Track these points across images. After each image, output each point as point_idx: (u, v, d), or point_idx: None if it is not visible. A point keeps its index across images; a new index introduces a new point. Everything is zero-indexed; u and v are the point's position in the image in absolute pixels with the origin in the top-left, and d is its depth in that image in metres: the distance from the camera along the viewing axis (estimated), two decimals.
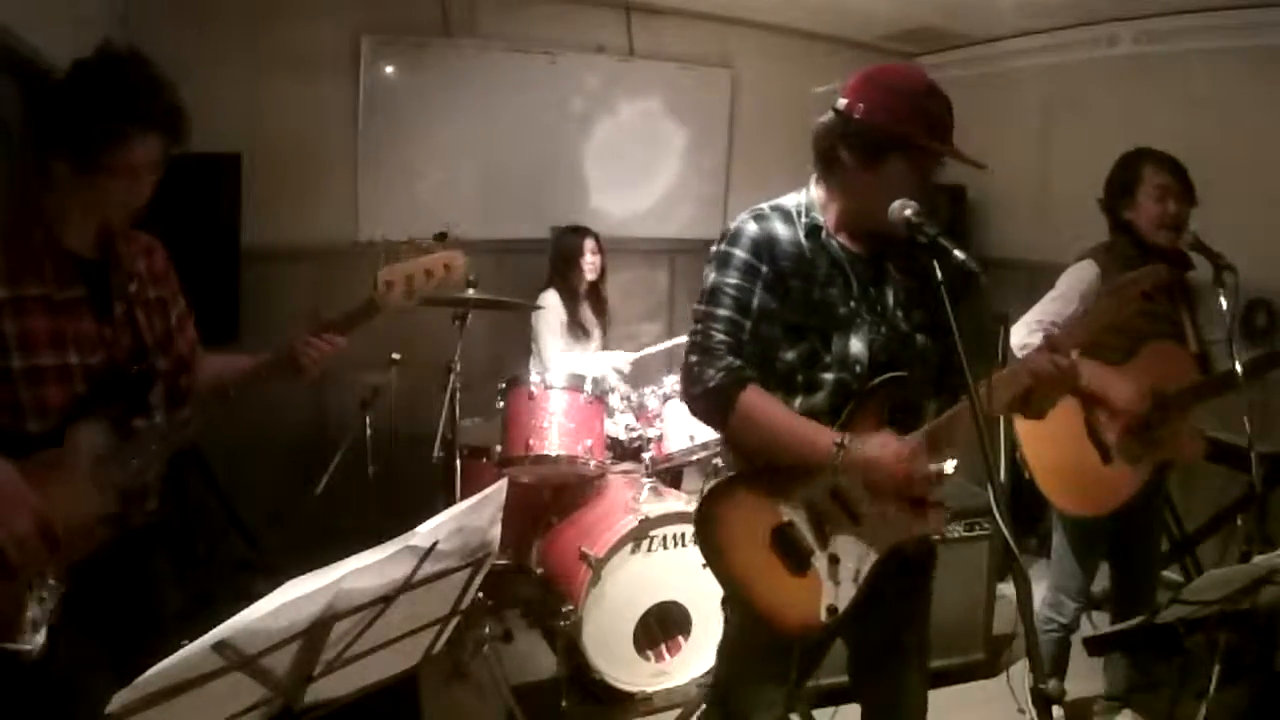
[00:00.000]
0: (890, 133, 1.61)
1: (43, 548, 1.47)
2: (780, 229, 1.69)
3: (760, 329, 1.67)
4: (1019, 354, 2.41)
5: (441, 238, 1.84)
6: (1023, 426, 2.60)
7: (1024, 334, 2.45)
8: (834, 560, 1.67)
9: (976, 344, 1.65)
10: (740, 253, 1.67)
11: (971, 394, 1.47)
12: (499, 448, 3.25)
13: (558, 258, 3.98)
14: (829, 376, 1.68)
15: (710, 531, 1.71)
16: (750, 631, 1.76)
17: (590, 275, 3.97)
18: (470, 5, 4.35)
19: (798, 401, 1.68)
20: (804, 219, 1.71)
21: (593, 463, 3.18)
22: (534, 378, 3.26)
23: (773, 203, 1.75)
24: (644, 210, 4.87)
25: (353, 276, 4.11)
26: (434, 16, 4.28)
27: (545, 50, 4.53)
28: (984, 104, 5.07)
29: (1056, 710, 2.62)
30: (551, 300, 3.87)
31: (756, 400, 1.63)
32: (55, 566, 1.53)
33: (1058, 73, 4.60)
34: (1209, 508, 3.41)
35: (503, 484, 1.35)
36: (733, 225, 1.71)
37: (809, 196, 1.74)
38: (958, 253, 1.49)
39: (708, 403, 1.65)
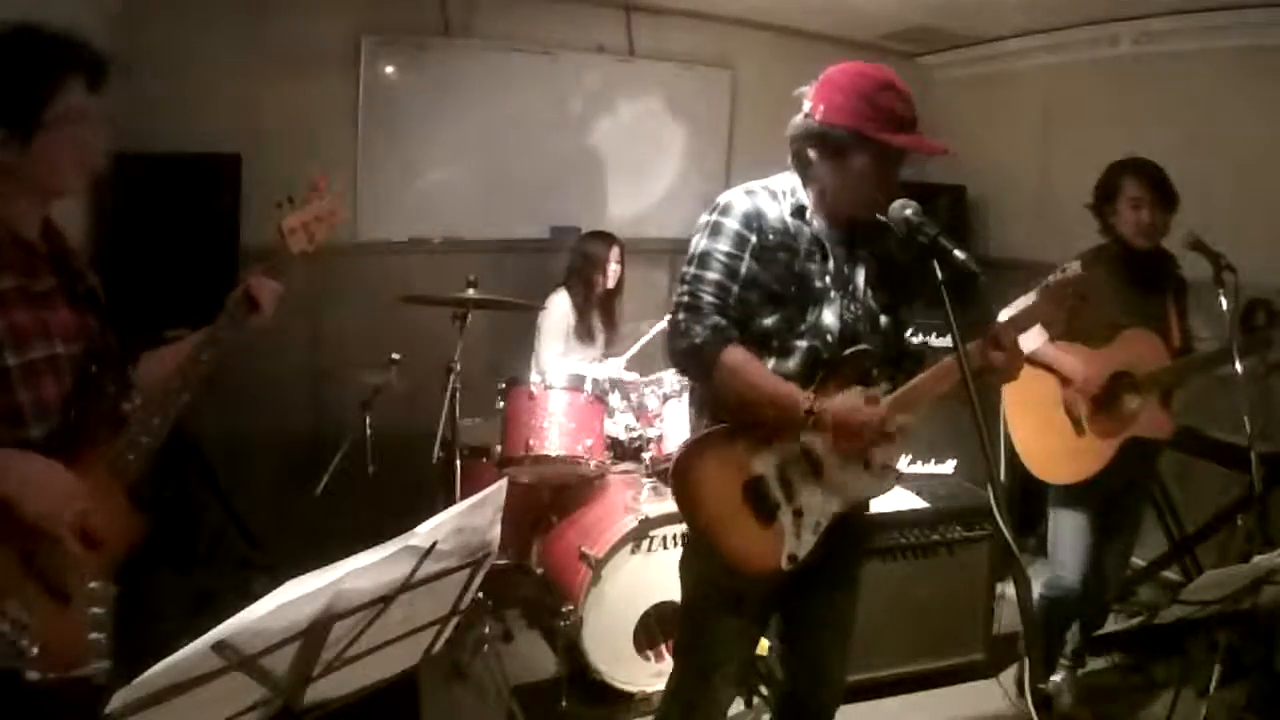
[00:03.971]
0: (847, 130, 1.71)
1: (84, 546, 1.43)
2: (768, 205, 1.80)
3: (744, 294, 1.77)
4: None
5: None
6: (1008, 399, 2.78)
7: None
8: (798, 514, 1.81)
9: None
10: (731, 223, 1.77)
11: (970, 394, 1.47)
12: (499, 448, 3.25)
13: (581, 261, 3.92)
14: (802, 344, 1.80)
15: (686, 481, 1.81)
16: (714, 577, 1.89)
17: (610, 283, 3.95)
18: (470, 5, 4.35)
19: (771, 364, 1.80)
20: (790, 198, 1.82)
21: (593, 463, 3.18)
22: (534, 378, 3.25)
23: (761, 182, 1.85)
24: (644, 210, 4.87)
25: (353, 276, 4.16)
26: (434, 16, 4.28)
27: (545, 50, 4.52)
28: (984, 104, 5.09)
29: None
30: (560, 303, 3.85)
31: (739, 357, 1.74)
32: (103, 572, 1.47)
33: (1058, 73, 4.60)
34: (1209, 508, 3.41)
35: (503, 484, 1.35)
36: (722, 198, 1.82)
37: (793, 180, 1.86)
38: (958, 253, 1.51)
39: (693, 357, 1.75)
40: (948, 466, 3.61)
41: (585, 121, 4.67)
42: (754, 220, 1.77)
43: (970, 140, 5.24)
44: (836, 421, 1.71)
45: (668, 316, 1.84)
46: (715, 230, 1.78)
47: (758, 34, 4.92)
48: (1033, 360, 2.68)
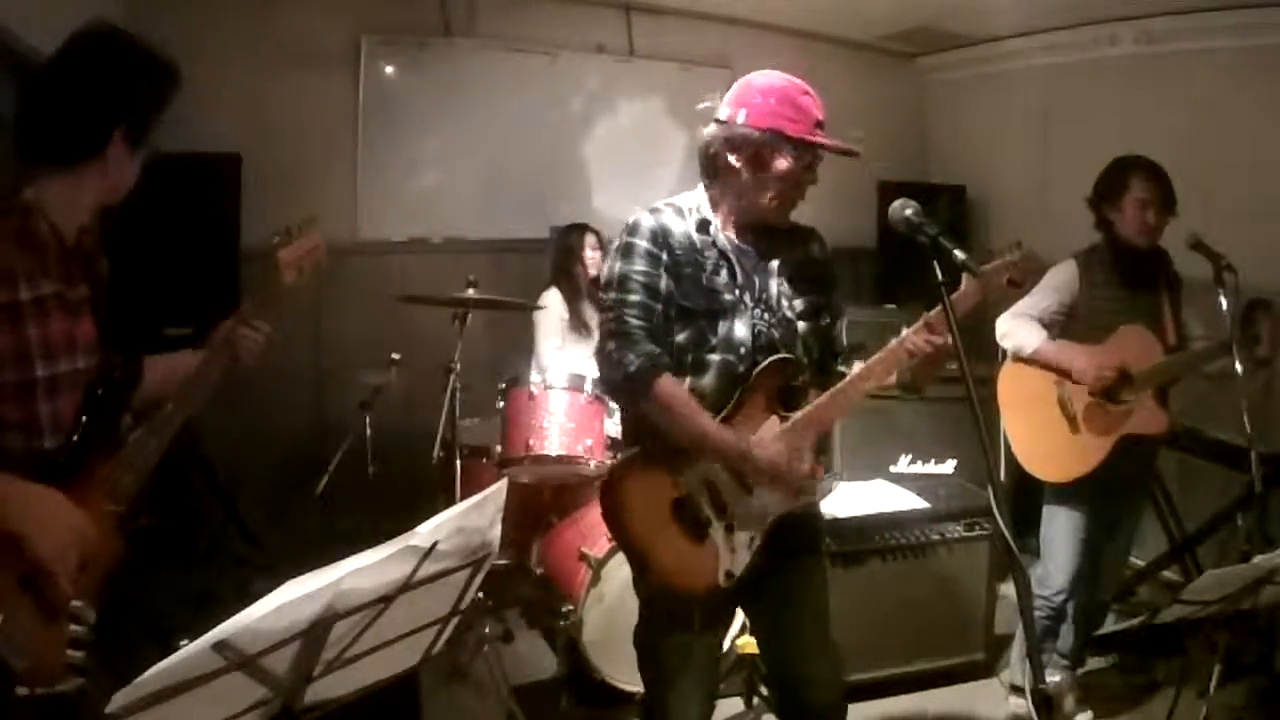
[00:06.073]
0: (771, 132, 1.76)
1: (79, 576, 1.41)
2: (673, 221, 1.84)
3: (664, 310, 1.81)
4: (999, 341, 2.73)
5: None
6: (1004, 397, 2.78)
7: (1004, 325, 2.72)
8: (729, 529, 1.81)
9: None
10: (642, 242, 1.81)
11: (971, 394, 1.47)
12: (499, 448, 3.25)
13: (559, 255, 3.96)
14: (715, 358, 1.82)
15: (616, 505, 1.82)
16: (653, 595, 1.91)
17: (592, 271, 3.96)
18: (470, 5, 4.36)
19: (687, 381, 1.81)
20: (695, 215, 1.86)
21: (593, 463, 3.18)
22: (534, 377, 3.25)
23: (667, 200, 1.89)
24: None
25: (353, 276, 4.16)
26: (434, 16, 4.29)
27: (545, 50, 4.53)
28: (984, 104, 5.10)
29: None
30: (553, 299, 3.86)
31: (670, 389, 1.76)
32: (86, 593, 1.45)
33: (1058, 73, 4.60)
34: (1209, 508, 3.41)
35: (503, 484, 1.35)
36: (630, 219, 1.85)
37: (700, 196, 1.89)
38: (958, 253, 1.51)
39: (626, 387, 1.78)
40: (948, 466, 3.62)
41: (585, 122, 4.67)
42: (660, 236, 1.81)
43: (970, 140, 5.26)
44: (765, 475, 1.76)
45: (596, 345, 1.85)
46: (627, 251, 1.81)
47: (758, 34, 4.92)
48: (1036, 360, 2.69)
